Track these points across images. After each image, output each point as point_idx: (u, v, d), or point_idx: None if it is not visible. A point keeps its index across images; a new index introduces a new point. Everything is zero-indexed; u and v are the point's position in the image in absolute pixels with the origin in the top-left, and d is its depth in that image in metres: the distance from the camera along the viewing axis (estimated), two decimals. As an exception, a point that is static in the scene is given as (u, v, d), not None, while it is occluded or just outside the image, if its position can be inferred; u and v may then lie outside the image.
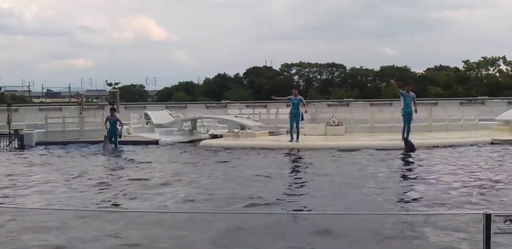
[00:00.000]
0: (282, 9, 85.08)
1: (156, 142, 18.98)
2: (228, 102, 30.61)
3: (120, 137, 18.03)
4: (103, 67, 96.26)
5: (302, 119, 18.24)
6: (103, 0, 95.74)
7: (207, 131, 21.45)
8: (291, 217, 6.83)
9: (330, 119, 20.46)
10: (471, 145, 16.35)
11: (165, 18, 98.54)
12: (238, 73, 61.35)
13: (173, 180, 10.61)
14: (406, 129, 17.04)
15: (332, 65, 60.46)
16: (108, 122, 17.84)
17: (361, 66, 59.64)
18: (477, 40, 78.38)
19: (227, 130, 20.13)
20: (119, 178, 11.12)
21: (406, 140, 15.83)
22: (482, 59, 53.30)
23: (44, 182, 10.66)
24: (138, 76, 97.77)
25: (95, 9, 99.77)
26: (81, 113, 21.35)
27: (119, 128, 17.88)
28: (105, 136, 17.51)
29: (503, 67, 53.36)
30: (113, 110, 18.46)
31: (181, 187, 9.73)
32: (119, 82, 58.96)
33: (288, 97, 18.07)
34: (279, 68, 60.90)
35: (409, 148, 15.34)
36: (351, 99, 33.85)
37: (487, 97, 30.32)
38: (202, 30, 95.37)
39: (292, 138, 17.59)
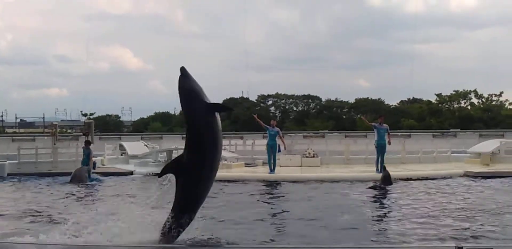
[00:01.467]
0: (258, 40, 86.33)
1: (130, 173, 18.79)
2: (204, 133, 30.54)
3: (94, 168, 17.82)
4: (78, 97, 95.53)
5: (279, 151, 18.39)
6: (78, 29, 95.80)
7: (183, 162, 21.30)
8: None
9: (306, 151, 20.61)
10: (444, 177, 16.57)
11: (141, 48, 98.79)
12: (214, 104, 61.61)
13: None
14: (380, 161, 17.34)
15: (308, 96, 61.32)
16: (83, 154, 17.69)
17: (336, 98, 60.69)
18: (449, 73, 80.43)
19: (203, 161, 20.02)
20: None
21: (383, 171, 15.93)
22: (454, 92, 54.72)
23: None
24: (113, 106, 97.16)
25: (71, 39, 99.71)
26: (54, 144, 21.05)
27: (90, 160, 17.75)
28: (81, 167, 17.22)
29: (474, 100, 54.85)
30: (87, 143, 18.32)
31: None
32: (94, 113, 58.64)
33: (266, 126, 18.19)
34: (256, 100, 61.46)
35: (385, 180, 15.42)
36: (327, 130, 34.17)
37: (459, 130, 30.96)
38: (178, 60, 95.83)
39: (271, 170, 17.65)
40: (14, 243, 6.40)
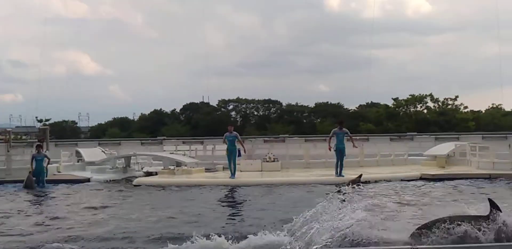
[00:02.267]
0: (218, 45, 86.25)
1: (87, 180, 18.36)
2: (164, 139, 30.23)
3: (46, 175, 17.32)
4: (33, 102, 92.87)
5: (239, 155, 18.38)
6: (33, 33, 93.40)
7: (142, 168, 21.00)
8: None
9: (266, 156, 20.65)
10: (401, 180, 16.85)
11: (99, 52, 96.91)
12: (174, 109, 61.19)
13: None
14: (339, 164, 17.49)
15: (269, 101, 61.57)
16: (34, 160, 17.10)
17: (297, 103, 61.11)
18: (405, 78, 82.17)
19: (163, 167, 19.81)
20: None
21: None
22: (410, 96, 55.90)
23: None
24: (70, 112, 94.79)
25: (25, 43, 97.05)
26: (8, 151, 20.40)
27: (45, 164, 17.22)
28: (29, 172, 16.79)
29: (430, 104, 56.14)
30: (39, 147, 17.78)
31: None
32: (50, 119, 57.10)
33: (224, 135, 18.21)
34: (216, 104, 61.28)
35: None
36: (287, 135, 34.30)
37: (415, 133, 31.51)
38: (137, 65, 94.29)
39: (232, 174, 17.61)
40: None
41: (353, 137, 18.64)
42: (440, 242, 6.69)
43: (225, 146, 18.48)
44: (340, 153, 17.59)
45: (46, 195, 15.31)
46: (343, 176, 17.22)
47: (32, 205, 13.35)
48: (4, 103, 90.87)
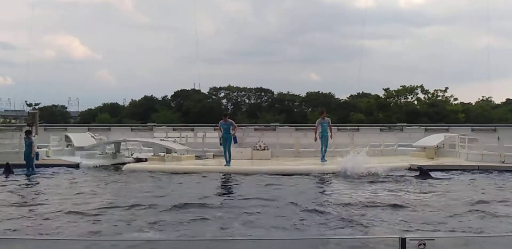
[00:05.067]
0: (210, 32, 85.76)
1: (76, 166, 18.28)
2: (154, 125, 30.10)
3: (37, 159, 17.23)
4: (23, 86, 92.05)
5: (236, 142, 18.47)
6: (23, 16, 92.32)
7: (131, 154, 20.93)
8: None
9: (256, 144, 20.67)
10: (390, 170, 16.91)
11: (89, 36, 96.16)
12: (166, 96, 60.97)
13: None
14: (324, 150, 18.30)
15: (260, 89, 61.50)
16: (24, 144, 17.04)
17: (288, 92, 61.12)
18: (396, 69, 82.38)
19: (153, 154, 19.76)
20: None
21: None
22: (401, 87, 56.09)
23: None
24: (60, 96, 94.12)
25: (15, 26, 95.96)
26: (-4, 134, 20.29)
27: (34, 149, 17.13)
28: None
29: (420, 95, 56.39)
30: (28, 132, 17.67)
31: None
32: (40, 103, 56.75)
33: (219, 123, 18.26)
34: (208, 92, 61.13)
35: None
36: (278, 124, 34.29)
37: (405, 124, 31.56)
38: (128, 50, 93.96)
39: (226, 162, 17.63)
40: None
41: (344, 127, 18.96)
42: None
43: (215, 134, 18.51)
44: (324, 140, 18.39)
45: (33, 180, 15.22)
46: (326, 161, 17.63)
47: (16, 190, 13.22)
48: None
